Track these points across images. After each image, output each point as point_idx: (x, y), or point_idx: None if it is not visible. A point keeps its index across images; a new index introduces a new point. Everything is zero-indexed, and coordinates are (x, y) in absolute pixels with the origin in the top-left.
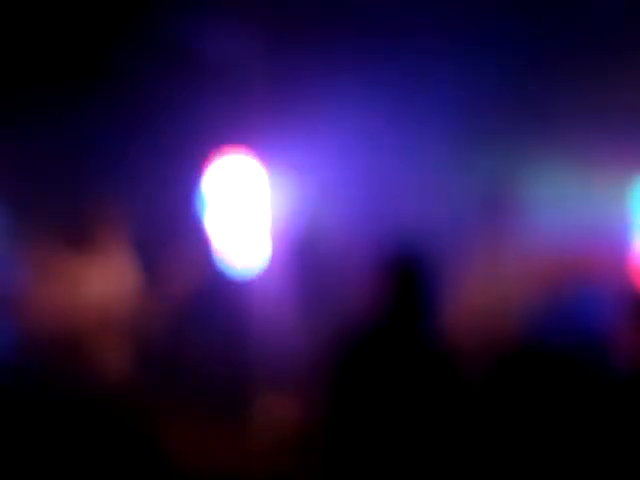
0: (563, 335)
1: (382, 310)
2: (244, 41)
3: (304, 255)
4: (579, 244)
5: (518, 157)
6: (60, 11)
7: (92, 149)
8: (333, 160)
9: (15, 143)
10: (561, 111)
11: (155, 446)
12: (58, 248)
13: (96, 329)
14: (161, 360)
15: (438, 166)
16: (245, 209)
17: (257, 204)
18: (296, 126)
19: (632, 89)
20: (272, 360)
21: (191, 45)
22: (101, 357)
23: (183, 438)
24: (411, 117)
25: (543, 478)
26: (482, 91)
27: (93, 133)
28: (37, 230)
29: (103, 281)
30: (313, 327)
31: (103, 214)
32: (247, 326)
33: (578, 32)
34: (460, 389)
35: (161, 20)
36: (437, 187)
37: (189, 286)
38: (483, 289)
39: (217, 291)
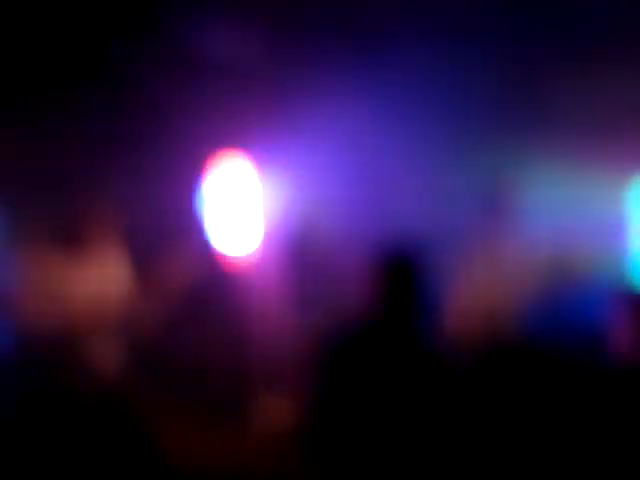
0: (560, 335)
1: (377, 309)
2: (243, 42)
3: (299, 254)
4: (577, 244)
5: (517, 157)
6: (60, 11)
7: (91, 149)
8: (331, 160)
9: (15, 143)
10: (560, 111)
11: (152, 446)
12: (54, 248)
13: (93, 329)
14: (158, 359)
15: (436, 166)
16: (242, 209)
17: (253, 204)
18: (294, 127)
19: (631, 89)
20: (268, 359)
21: (190, 46)
22: (98, 357)
23: (180, 438)
24: (409, 117)
25: (540, 477)
26: (481, 91)
27: (92, 133)
28: (33, 230)
29: (100, 281)
30: (308, 326)
31: (100, 214)
32: (243, 325)
33: (578, 32)
34: (456, 388)
35: (161, 21)
36: (435, 187)
37: (185, 285)
38: (481, 289)
39: (213, 290)
